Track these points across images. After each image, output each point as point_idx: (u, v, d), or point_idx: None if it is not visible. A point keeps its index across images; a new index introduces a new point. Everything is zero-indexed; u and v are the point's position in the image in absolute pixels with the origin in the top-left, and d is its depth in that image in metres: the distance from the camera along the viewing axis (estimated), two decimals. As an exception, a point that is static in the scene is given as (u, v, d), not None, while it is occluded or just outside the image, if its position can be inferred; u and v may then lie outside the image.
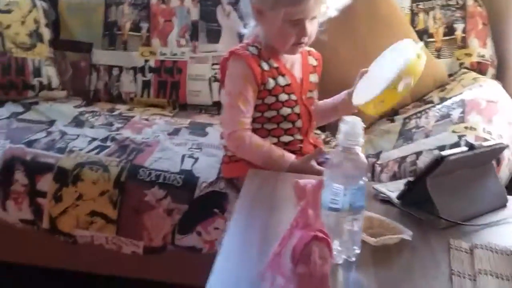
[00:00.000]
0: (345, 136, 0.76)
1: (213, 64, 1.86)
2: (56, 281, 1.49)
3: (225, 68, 1.24)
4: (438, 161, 0.93)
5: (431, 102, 1.61)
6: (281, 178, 1.13)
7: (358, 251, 0.81)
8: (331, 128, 1.70)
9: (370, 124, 1.71)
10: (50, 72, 1.86)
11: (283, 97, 1.22)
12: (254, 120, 1.23)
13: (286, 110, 1.23)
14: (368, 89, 1.18)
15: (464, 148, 0.98)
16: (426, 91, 1.72)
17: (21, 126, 1.57)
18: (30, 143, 1.43)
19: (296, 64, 1.27)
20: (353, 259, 0.80)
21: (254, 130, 1.22)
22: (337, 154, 0.77)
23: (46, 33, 1.90)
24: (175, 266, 1.38)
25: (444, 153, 0.94)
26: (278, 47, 1.22)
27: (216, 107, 1.84)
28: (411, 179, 0.98)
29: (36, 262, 1.43)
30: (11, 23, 1.82)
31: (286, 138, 1.24)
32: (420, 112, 1.58)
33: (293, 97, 1.24)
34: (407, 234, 0.86)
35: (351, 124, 0.76)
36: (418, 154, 1.31)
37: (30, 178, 1.35)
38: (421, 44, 1.16)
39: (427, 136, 1.38)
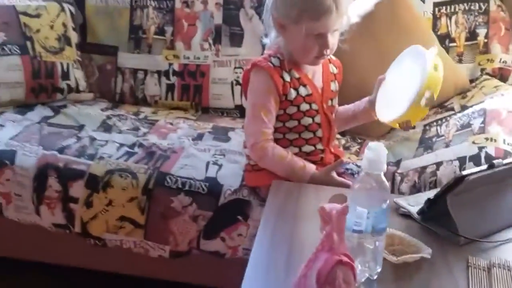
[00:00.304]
0: (369, 162, 0.79)
1: (235, 68, 1.90)
2: (86, 280, 1.57)
3: (247, 79, 1.27)
4: (459, 181, 0.96)
5: (452, 109, 1.63)
6: (304, 189, 1.17)
7: (379, 269, 0.85)
8: (352, 133, 1.74)
9: (390, 129, 1.74)
10: (77, 75, 1.92)
11: (305, 106, 1.25)
12: (275, 130, 1.26)
13: (307, 120, 1.26)
14: (390, 103, 1.21)
15: (484, 167, 1.00)
16: (446, 97, 1.73)
17: (52, 131, 1.62)
18: (62, 150, 1.48)
19: (318, 73, 1.29)
20: (375, 277, 0.84)
21: (276, 140, 1.26)
22: (361, 179, 0.80)
23: (74, 37, 1.96)
24: (199, 269, 1.43)
25: (464, 172, 0.97)
26: (300, 60, 1.24)
27: (238, 110, 1.88)
28: (431, 196, 1.01)
29: (67, 262, 1.51)
30: (40, 27, 1.87)
31: (307, 148, 1.28)
32: (440, 119, 1.59)
33: (314, 106, 1.27)
34: (426, 252, 0.90)
35: (375, 151, 0.79)
36: (438, 164, 1.33)
37: (63, 184, 1.41)
38: (436, 50, 1.17)
39: (447, 145, 1.40)
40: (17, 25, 1.83)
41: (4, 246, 1.54)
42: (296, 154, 1.26)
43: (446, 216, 0.98)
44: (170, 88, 1.92)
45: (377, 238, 0.82)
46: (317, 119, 1.27)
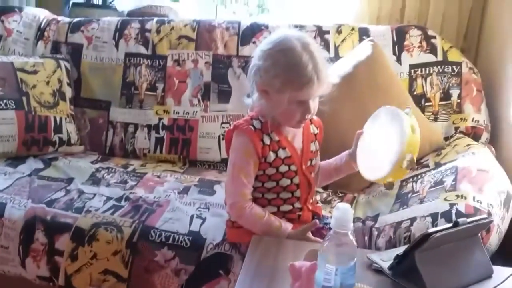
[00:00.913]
0: (337, 221, 0.85)
1: (222, 123, 1.99)
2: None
3: (230, 139, 1.32)
4: (425, 238, 1.01)
5: (427, 166, 1.70)
6: (283, 246, 1.22)
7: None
8: (333, 187, 1.80)
9: (370, 184, 1.80)
10: (70, 129, 1.99)
11: (283, 168, 1.30)
12: (255, 189, 1.30)
13: (285, 181, 1.30)
14: (373, 163, 1.28)
15: (449, 225, 1.06)
16: (422, 154, 1.80)
17: (42, 184, 1.67)
18: (50, 203, 1.53)
19: (298, 135, 1.34)
20: (344, 333, 0.87)
21: (255, 199, 1.30)
22: (329, 237, 0.86)
23: (68, 92, 2.05)
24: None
25: (430, 230, 1.02)
26: (282, 123, 1.29)
27: (224, 164, 1.94)
28: (400, 252, 1.06)
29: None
30: (36, 83, 1.97)
31: (285, 208, 1.32)
32: (416, 175, 1.66)
33: (293, 167, 1.31)
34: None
35: (342, 211, 0.85)
36: (413, 220, 1.38)
37: (49, 237, 1.44)
38: (410, 111, 1.26)
39: (421, 202, 1.46)
40: (14, 81, 1.92)
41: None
42: (274, 213, 1.30)
43: (415, 272, 1.03)
44: (159, 141, 2.00)
45: (346, 294, 0.86)
46: (296, 180, 1.32)
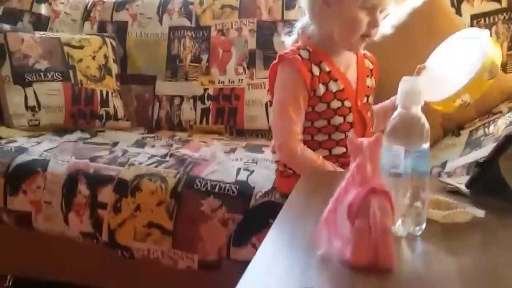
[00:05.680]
0: (405, 94, 0.72)
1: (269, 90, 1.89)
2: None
3: (275, 74, 1.20)
4: (509, 139, 0.86)
5: (500, 112, 1.52)
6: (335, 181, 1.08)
7: (423, 227, 0.74)
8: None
9: (434, 142, 1.63)
10: (116, 103, 1.97)
11: (336, 104, 1.17)
12: (303, 130, 1.18)
13: (337, 119, 1.17)
14: (443, 84, 1.13)
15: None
16: (492, 104, 1.62)
17: (87, 147, 1.64)
18: (93, 159, 1.49)
19: (352, 66, 1.21)
20: (419, 233, 0.73)
21: (304, 142, 1.17)
22: (396, 114, 0.72)
23: (114, 68, 2.03)
24: (231, 284, 1.32)
25: (516, 130, 0.87)
26: (342, 40, 1.15)
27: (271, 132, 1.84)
28: (481, 160, 0.90)
29: (95, 282, 1.44)
30: (83, 57, 1.97)
31: (338, 150, 1.18)
32: (488, 122, 1.48)
33: (347, 103, 1.18)
34: (479, 212, 0.78)
35: (410, 83, 0.72)
36: (488, 157, 1.21)
37: (92, 189, 1.39)
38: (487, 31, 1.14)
39: (497, 140, 1.28)
40: (60, 54, 1.93)
41: (34, 266, 1.50)
42: (325, 157, 1.17)
43: (501, 185, 0.86)
44: (205, 112, 1.93)
45: (419, 183, 0.71)
46: (349, 118, 1.18)
